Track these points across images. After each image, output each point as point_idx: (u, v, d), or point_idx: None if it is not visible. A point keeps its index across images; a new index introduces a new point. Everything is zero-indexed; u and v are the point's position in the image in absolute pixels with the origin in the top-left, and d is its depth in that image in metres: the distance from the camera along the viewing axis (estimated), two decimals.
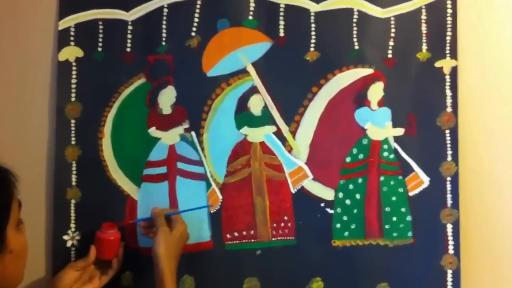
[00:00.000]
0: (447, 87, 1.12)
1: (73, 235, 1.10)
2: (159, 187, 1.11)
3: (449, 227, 1.11)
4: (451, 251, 1.11)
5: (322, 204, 1.12)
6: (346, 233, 1.12)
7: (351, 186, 1.12)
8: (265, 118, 1.12)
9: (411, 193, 1.12)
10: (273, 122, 1.12)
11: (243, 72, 1.11)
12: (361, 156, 1.12)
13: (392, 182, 1.12)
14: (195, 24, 1.11)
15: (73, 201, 1.10)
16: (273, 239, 1.11)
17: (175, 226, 1.03)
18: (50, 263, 1.10)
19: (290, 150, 1.12)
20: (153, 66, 1.11)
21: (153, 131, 1.11)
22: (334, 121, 1.12)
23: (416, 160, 1.12)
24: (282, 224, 1.12)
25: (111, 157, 1.11)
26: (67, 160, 1.10)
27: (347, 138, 1.12)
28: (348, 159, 1.12)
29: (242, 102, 1.12)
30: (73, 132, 1.10)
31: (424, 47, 1.12)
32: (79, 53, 1.10)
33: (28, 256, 0.94)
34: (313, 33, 1.11)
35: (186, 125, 1.11)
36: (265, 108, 1.12)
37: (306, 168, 1.12)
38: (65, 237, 1.10)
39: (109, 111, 1.11)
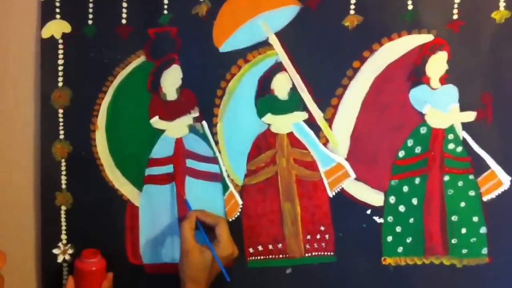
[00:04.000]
0: None
1: (65, 249, 1.08)
2: (165, 190, 1.08)
3: None
4: None
5: (369, 211, 1.06)
6: (400, 249, 1.06)
7: (405, 188, 1.05)
8: (294, 103, 1.06)
9: (485, 198, 1.04)
10: (304, 108, 1.06)
11: (264, 44, 1.05)
12: (418, 149, 1.05)
13: (460, 183, 1.05)
14: None
15: (63, 208, 1.08)
16: (306, 254, 1.07)
17: (219, 247, 0.99)
18: (40, 281, 1.09)
19: (325, 143, 1.06)
20: (154, 41, 1.06)
21: (156, 122, 1.07)
22: (382, 104, 1.05)
23: (493, 154, 1.04)
24: (318, 236, 1.06)
25: (106, 154, 1.08)
26: (55, 158, 1.07)
27: (399, 126, 1.05)
28: (401, 154, 1.05)
29: (264, 83, 1.06)
30: (61, 124, 1.07)
31: (502, 3, 1.02)
32: (66, 28, 1.06)
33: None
34: None
35: (195, 114, 1.07)
36: (293, 90, 1.05)
37: (346, 165, 1.05)
38: (56, 251, 1.08)
39: (103, 98, 1.07)
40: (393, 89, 1.04)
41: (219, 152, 1.07)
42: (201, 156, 1.07)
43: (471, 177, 1.05)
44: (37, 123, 1.07)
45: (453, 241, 1.04)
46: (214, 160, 1.07)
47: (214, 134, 1.06)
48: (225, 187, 1.07)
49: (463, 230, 1.05)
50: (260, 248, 1.06)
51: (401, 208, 1.05)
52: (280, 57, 1.04)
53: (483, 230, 1.04)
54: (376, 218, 1.05)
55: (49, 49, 1.06)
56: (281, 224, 1.06)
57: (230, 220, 1.06)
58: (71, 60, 1.06)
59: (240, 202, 1.07)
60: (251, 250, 1.06)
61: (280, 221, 1.06)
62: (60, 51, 1.06)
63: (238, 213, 1.07)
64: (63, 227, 1.07)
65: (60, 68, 1.06)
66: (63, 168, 1.07)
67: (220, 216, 1.04)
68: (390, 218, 1.05)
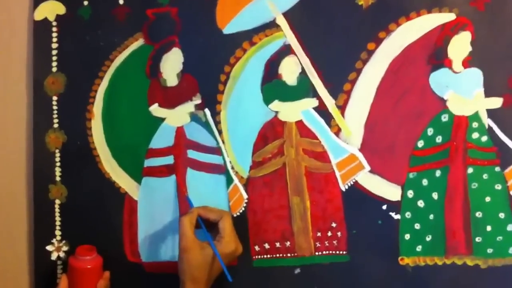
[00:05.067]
0: None
1: (59, 245, 1.07)
2: (165, 182, 1.06)
3: None
4: None
5: (384, 207, 1.03)
6: (419, 248, 1.03)
7: (425, 182, 1.02)
8: (303, 89, 1.04)
9: None
10: (314, 94, 1.03)
11: (271, 25, 1.03)
12: (439, 139, 1.02)
13: (485, 176, 1.01)
14: None
15: (57, 202, 1.07)
16: (316, 253, 1.04)
17: (222, 242, 0.97)
18: (33, 280, 1.08)
19: (337, 132, 1.04)
20: (153, 22, 1.05)
21: (155, 109, 1.06)
22: (399, 90, 1.02)
23: None
24: (329, 234, 1.04)
25: (103, 144, 1.07)
26: (49, 148, 1.07)
27: (418, 113, 1.02)
28: (420, 144, 1.02)
29: (271, 68, 1.04)
30: (55, 112, 1.07)
31: None
32: (61, 9, 1.06)
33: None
34: None
35: (197, 100, 1.05)
36: (303, 74, 1.03)
37: (360, 156, 1.03)
38: (49, 248, 1.07)
39: (100, 84, 1.06)
40: (411, 73, 1.02)
41: (223, 142, 1.05)
42: (203, 146, 1.05)
43: (497, 169, 1.01)
44: (30, 111, 1.07)
45: (477, 239, 1.02)
46: (217, 150, 1.05)
47: (217, 122, 1.05)
48: (229, 180, 1.05)
49: (489, 228, 1.02)
50: (266, 246, 1.04)
51: (420, 203, 1.03)
52: (288, 39, 1.03)
53: (510, 227, 1.01)
54: (392, 214, 1.03)
55: (42, 32, 1.06)
56: (289, 220, 1.04)
57: (235, 215, 1.04)
58: (66, 44, 1.06)
59: (245, 196, 1.05)
60: (256, 248, 1.04)
61: (288, 217, 1.04)
62: (54, 34, 1.06)
63: (243, 208, 1.05)
64: (57, 223, 1.07)
65: (54, 52, 1.06)
66: (57, 159, 1.06)
67: (224, 210, 1.01)
68: (408, 214, 1.03)
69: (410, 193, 1.03)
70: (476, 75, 1.01)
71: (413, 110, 1.02)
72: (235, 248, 0.97)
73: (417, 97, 1.02)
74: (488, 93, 1.01)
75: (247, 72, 1.04)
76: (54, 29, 1.05)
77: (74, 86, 1.06)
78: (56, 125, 1.06)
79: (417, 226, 1.03)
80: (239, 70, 1.04)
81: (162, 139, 1.06)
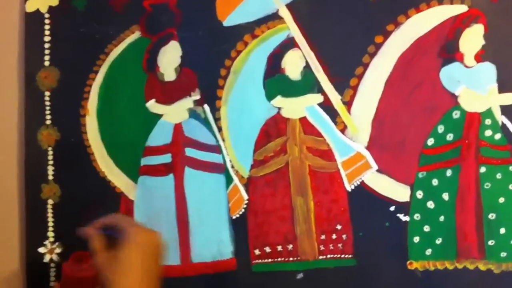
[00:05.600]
0: None
1: (52, 247, 1.05)
2: (162, 182, 1.04)
3: None
4: None
5: (393, 208, 1.02)
6: (429, 251, 1.01)
7: (435, 182, 1.01)
8: (307, 84, 1.03)
9: None
10: (319, 89, 1.02)
11: (274, 17, 1.02)
12: (450, 136, 1.00)
13: (498, 176, 1.00)
14: None
15: (50, 201, 1.06)
16: (320, 257, 1.03)
17: (129, 235, 0.81)
18: (25, 283, 1.07)
19: (343, 129, 1.03)
20: (151, 14, 1.04)
21: (152, 105, 1.04)
22: (408, 85, 1.01)
23: None
24: (334, 236, 1.02)
25: (98, 141, 1.05)
26: (41, 146, 1.06)
27: (428, 110, 1.01)
28: (430, 142, 1.01)
29: (274, 62, 1.03)
30: (48, 108, 1.05)
31: None
32: (53, 0, 1.05)
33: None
34: None
35: (196, 96, 1.04)
36: (307, 69, 1.02)
37: (367, 154, 1.02)
38: (42, 250, 1.06)
39: (94, 79, 1.05)
40: (421, 68, 1.00)
41: (223, 139, 1.03)
42: (202, 144, 1.04)
43: (511, 168, 1.00)
44: (21, 107, 1.06)
45: (490, 242, 1.00)
46: (216, 148, 1.04)
47: (217, 119, 1.03)
48: (229, 180, 1.03)
49: (502, 230, 1.00)
50: (267, 249, 1.02)
51: (430, 204, 1.01)
52: (292, 32, 1.02)
53: None
54: (401, 216, 1.01)
55: (34, 24, 1.05)
56: (292, 222, 1.02)
57: (234, 217, 1.03)
58: (59, 37, 1.05)
59: (246, 196, 1.03)
60: (257, 252, 1.02)
61: (291, 219, 1.02)
62: (47, 27, 1.05)
63: (243, 210, 1.03)
64: (50, 223, 1.05)
65: (47, 45, 1.05)
66: (50, 157, 1.05)
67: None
68: (417, 216, 1.01)
69: (419, 194, 1.01)
70: (489, 69, 1.00)
71: (422, 107, 1.01)
72: (146, 235, 0.80)
73: (427, 93, 1.01)
74: (502, 88, 0.99)
75: (248, 66, 1.03)
76: (47, 21, 1.05)
77: (67, 80, 1.05)
78: (48, 122, 1.05)
79: (426, 228, 1.01)
80: (240, 64, 1.02)
81: (159, 136, 1.05)
